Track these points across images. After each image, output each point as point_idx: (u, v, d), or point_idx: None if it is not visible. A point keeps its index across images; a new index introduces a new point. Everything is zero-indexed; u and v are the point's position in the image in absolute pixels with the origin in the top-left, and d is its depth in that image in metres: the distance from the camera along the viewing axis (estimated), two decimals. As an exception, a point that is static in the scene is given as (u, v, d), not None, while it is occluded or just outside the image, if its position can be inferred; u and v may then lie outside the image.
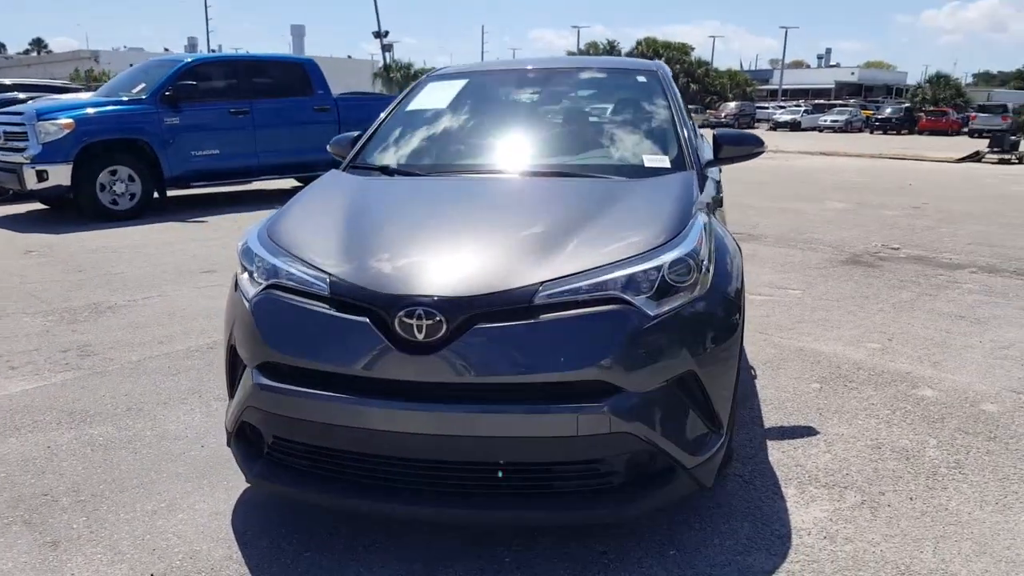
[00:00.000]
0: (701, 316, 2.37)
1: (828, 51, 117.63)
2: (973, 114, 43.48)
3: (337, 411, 2.26)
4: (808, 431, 3.37)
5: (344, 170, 3.49)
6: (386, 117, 3.79)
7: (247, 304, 2.50)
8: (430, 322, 2.19)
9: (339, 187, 3.19)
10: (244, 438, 2.58)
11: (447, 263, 2.38)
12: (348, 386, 2.26)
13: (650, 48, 76.02)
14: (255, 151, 10.43)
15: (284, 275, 2.48)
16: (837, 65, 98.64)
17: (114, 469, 3.07)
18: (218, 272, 6.46)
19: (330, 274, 2.39)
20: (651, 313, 2.26)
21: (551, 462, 2.24)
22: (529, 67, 4.16)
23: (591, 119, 3.66)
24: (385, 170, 3.33)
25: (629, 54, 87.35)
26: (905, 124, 45.66)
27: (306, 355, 2.31)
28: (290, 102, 10.80)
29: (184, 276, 6.35)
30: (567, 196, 2.91)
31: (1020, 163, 20.27)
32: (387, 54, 58.11)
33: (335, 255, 2.49)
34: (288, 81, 10.90)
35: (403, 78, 53.05)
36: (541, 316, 2.22)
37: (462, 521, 2.46)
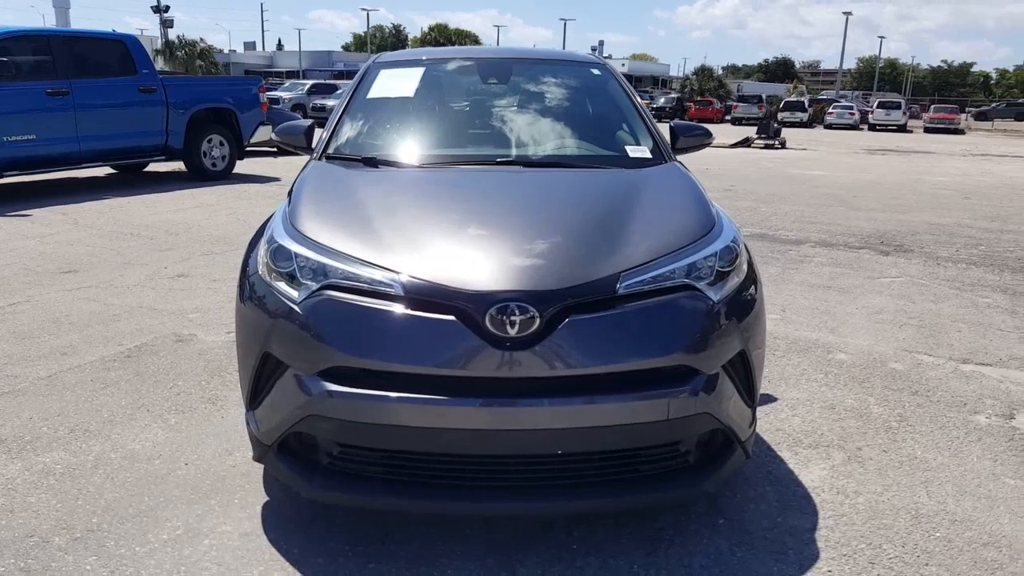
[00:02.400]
0: (745, 298, 2.54)
1: (601, 43, 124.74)
2: (734, 104, 48.05)
3: (431, 413, 2.19)
4: (769, 398, 3.70)
5: (320, 160, 3.30)
6: (347, 106, 3.61)
7: (295, 308, 2.33)
8: (524, 317, 2.18)
9: (344, 180, 3.02)
10: (288, 451, 2.41)
11: (524, 257, 2.36)
12: (435, 387, 2.19)
13: (442, 35, 76.53)
14: (76, 135, 9.34)
15: (340, 275, 2.34)
16: (609, 57, 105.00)
17: (97, 499, 2.72)
18: (82, 272, 5.79)
19: (399, 272, 2.29)
20: (714, 298, 2.40)
21: (641, 447, 2.32)
22: (483, 56, 4.13)
23: (564, 110, 3.73)
24: (370, 162, 3.19)
25: (423, 40, 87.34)
26: (677, 113, 49.62)
27: (388, 358, 2.21)
28: (113, 82, 9.80)
29: (43, 278, 5.62)
30: (588, 188, 2.98)
31: (783, 148, 22.82)
32: (168, 30, 53.84)
33: (393, 252, 2.38)
34: (109, 59, 9.87)
35: (187, 57, 49.32)
36: (625, 306, 2.29)
37: (552, 513, 2.48)
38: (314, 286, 2.35)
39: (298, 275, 2.39)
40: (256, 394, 2.47)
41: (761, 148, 22.73)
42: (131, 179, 11.18)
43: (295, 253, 2.43)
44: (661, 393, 2.25)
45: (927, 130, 38.89)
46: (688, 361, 2.29)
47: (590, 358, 2.22)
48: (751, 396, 2.56)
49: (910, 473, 3.01)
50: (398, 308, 2.25)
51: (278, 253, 2.49)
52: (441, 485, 2.30)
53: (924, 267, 6.67)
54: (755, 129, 25.71)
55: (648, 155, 3.35)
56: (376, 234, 2.49)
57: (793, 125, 37.76)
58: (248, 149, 12.07)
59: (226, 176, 11.27)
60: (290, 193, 2.94)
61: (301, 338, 2.30)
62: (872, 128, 38.99)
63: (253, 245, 2.70)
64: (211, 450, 3.08)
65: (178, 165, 11.49)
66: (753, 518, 2.67)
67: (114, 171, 11.70)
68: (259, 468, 2.83)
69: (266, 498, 2.74)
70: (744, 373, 2.51)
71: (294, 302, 2.34)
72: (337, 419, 2.25)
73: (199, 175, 10.97)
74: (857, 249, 7.41)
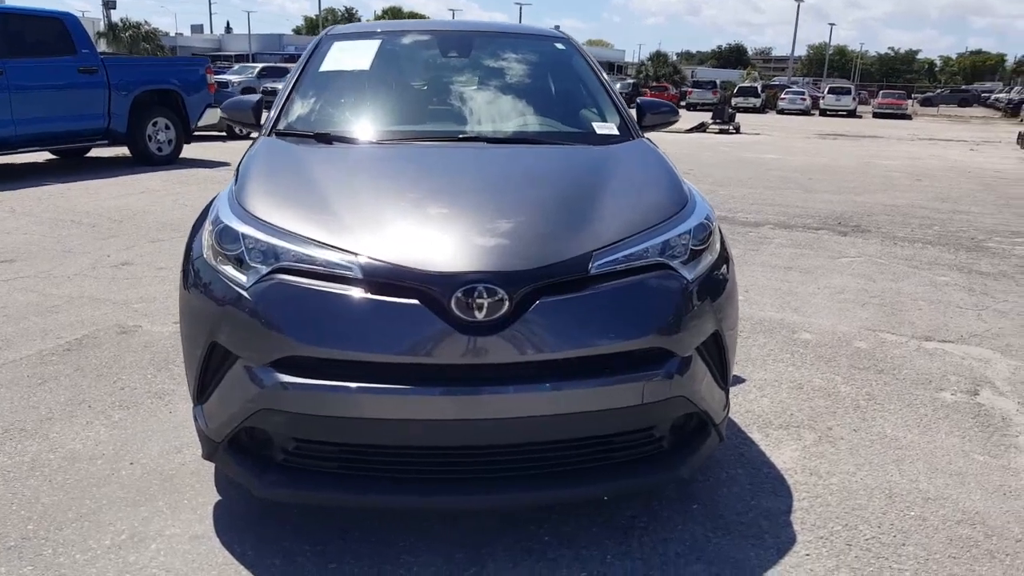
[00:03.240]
0: (719, 277, 2.46)
1: (557, 27, 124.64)
2: (689, 89, 48.35)
3: (393, 404, 2.06)
4: (738, 379, 3.64)
5: (270, 136, 3.12)
6: (298, 79, 3.43)
7: (244, 293, 2.17)
8: (492, 300, 2.06)
9: (296, 156, 2.85)
10: (239, 447, 2.26)
11: (490, 236, 2.23)
12: (398, 376, 2.07)
13: (396, 18, 75.56)
14: (11, 118, 8.90)
15: (292, 257, 2.19)
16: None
17: (33, 503, 2.53)
18: (18, 262, 5.49)
19: (357, 254, 2.15)
20: (689, 277, 2.31)
21: (614, 433, 2.22)
22: (442, 29, 3.96)
23: (527, 85, 3.59)
24: (323, 138, 3.02)
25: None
26: (633, 99, 49.64)
27: (346, 346, 2.07)
28: (51, 62, 9.36)
29: (-25, 268, 5.31)
30: (555, 164, 2.86)
31: (737, 133, 23.02)
32: (111, 12, 52.04)
33: (350, 232, 2.24)
34: (46, 37, 9.40)
35: (132, 39, 47.75)
36: (598, 286, 2.18)
37: (523, 505, 2.37)
38: (264, 270, 2.19)
39: (246, 258, 2.23)
40: (204, 388, 2.31)
41: (716, 133, 22.88)
42: (73, 165, 10.73)
43: (243, 234, 2.27)
44: (635, 377, 2.16)
45: (876, 115, 39.64)
46: (663, 343, 2.20)
47: (562, 342, 2.11)
48: (724, 378, 2.48)
49: (881, 452, 2.98)
50: (356, 292, 2.10)
51: (224, 234, 2.32)
52: (405, 479, 2.17)
53: (882, 247, 6.72)
54: (710, 114, 25.87)
55: (615, 132, 3.24)
56: (331, 213, 2.33)
57: (747, 111, 38.14)
58: (196, 133, 11.68)
59: (173, 161, 10.88)
60: (237, 171, 2.76)
61: (251, 326, 2.14)
62: (823, 113, 39.64)
63: (197, 228, 2.53)
64: (158, 448, 2.91)
65: (122, 150, 11.07)
66: (727, 502, 2.60)
67: (54, 156, 11.22)
68: (210, 466, 2.67)
69: (218, 497, 2.58)
70: (718, 355, 2.43)
71: (242, 287, 2.18)
72: (292, 412, 2.10)
73: (144, 160, 10.57)
74: (816, 230, 7.44)
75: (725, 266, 2.53)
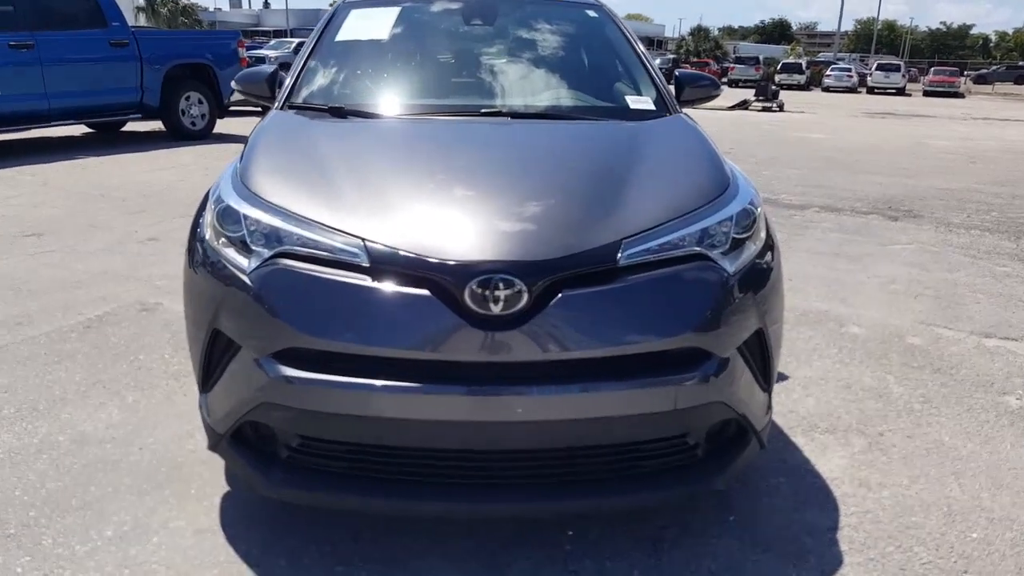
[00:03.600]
0: (763, 268, 2.24)
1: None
2: (731, 65, 47.10)
3: (400, 403, 1.89)
4: (781, 376, 3.41)
5: (282, 110, 2.95)
6: (312, 49, 3.25)
7: (245, 279, 2.02)
8: (509, 292, 1.88)
9: (307, 132, 2.68)
10: (244, 441, 2.12)
11: (510, 221, 2.05)
12: (407, 372, 1.90)
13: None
14: (45, 92, 8.89)
15: (296, 241, 2.03)
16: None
17: (38, 488, 2.44)
18: (47, 236, 5.45)
19: (365, 239, 1.98)
20: (730, 269, 2.10)
21: (643, 440, 2.04)
22: None
23: (559, 57, 3.37)
24: (338, 112, 2.84)
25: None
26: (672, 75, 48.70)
27: (352, 339, 1.91)
28: (82, 35, 9.32)
29: (3, 242, 5.28)
30: (585, 142, 2.65)
31: (780, 111, 22.36)
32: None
33: (358, 215, 2.07)
34: (76, 10, 9.36)
35: (171, 14, 48.02)
36: (628, 278, 1.98)
37: (541, 515, 2.21)
38: (266, 253, 2.03)
39: (248, 241, 2.08)
40: (208, 376, 2.18)
41: (759, 111, 22.31)
42: (108, 139, 10.75)
43: (244, 215, 2.12)
44: (668, 380, 1.97)
45: (926, 93, 38.34)
46: (699, 343, 2.00)
47: (586, 340, 1.92)
48: (767, 380, 2.27)
49: (939, 463, 2.74)
50: (363, 281, 1.94)
51: (225, 215, 2.17)
52: (416, 483, 2.01)
53: (936, 234, 6.37)
54: (753, 91, 25.21)
55: (651, 106, 3.01)
56: (339, 194, 2.16)
57: (791, 88, 37.18)
58: (231, 108, 11.62)
59: (206, 136, 10.84)
60: (244, 146, 2.61)
61: (252, 314, 1.99)
62: (871, 91, 38.41)
63: (203, 205, 2.38)
64: (170, 433, 2.79)
65: (157, 125, 11.05)
66: (766, 514, 2.41)
67: (91, 130, 11.26)
68: (219, 455, 2.55)
69: (226, 489, 2.46)
70: (760, 355, 2.22)
71: (243, 272, 2.03)
72: (295, 408, 1.95)
73: (178, 134, 10.53)
74: (864, 214, 7.10)
75: (770, 255, 2.31)
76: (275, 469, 2.06)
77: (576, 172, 2.35)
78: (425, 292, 1.90)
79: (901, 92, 38.12)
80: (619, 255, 1.98)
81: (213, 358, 2.14)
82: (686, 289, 2.04)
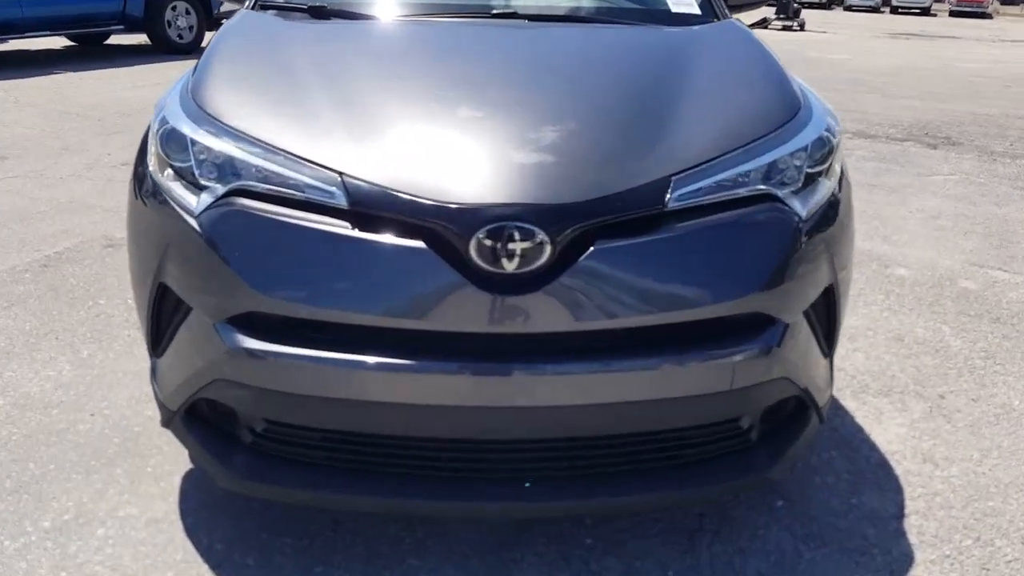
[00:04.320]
0: (837, 211, 1.83)
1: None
2: (751, -19, 45.10)
3: (389, 384, 1.51)
4: (823, 327, 3.03)
5: (254, 10, 2.47)
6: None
7: (193, 222, 1.61)
8: (527, 244, 1.47)
9: (277, 35, 2.21)
10: (201, 419, 1.75)
11: (529, 151, 1.62)
12: (397, 346, 1.51)
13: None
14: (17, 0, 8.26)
15: (256, 175, 1.61)
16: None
17: (-34, 467, 2.09)
18: (12, 159, 5.00)
19: (343, 173, 1.56)
20: (802, 212, 1.69)
21: (687, 427, 1.66)
22: None
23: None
24: (318, 11, 2.36)
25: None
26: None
27: (327, 302, 1.51)
28: (59, -67, 8.60)
29: (-36, 165, 4.84)
30: (620, 52, 2.19)
31: (801, 30, 21.32)
32: None
33: (336, 142, 1.65)
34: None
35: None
36: (677, 226, 1.57)
37: (562, 514, 1.85)
38: (220, 190, 1.62)
39: (197, 173, 1.66)
40: (158, 338, 1.80)
41: (779, 29, 21.28)
42: (89, 53, 10.10)
43: (192, 140, 1.69)
44: (723, 353, 1.58)
45: (953, 14, 36.80)
46: (764, 306, 1.61)
47: (624, 305, 1.52)
48: (831, 345, 1.89)
49: (1011, 432, 2.38)
50: (340, 227, 1.53)
51: (170, 140, 1.74)
52: (414, 477, 1.64)
53: (979, 163, 5.88)
54: (773, 9, 24.04)
55: (696, 10, 2.52)
56: (313, 115, 1.73)
57: (812, 6, 35.55)
58: (220, 20, 10.90)
59: (194, 50, 10.15)
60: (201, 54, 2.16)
61: (202, 268, 1.60)
62: (894, 11, 36.88)
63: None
64: (127, 394, 2.43)
65: (142, 38, 10.38)
66: (820, 498, 2.05)
67: (72, 44, 10.60)
68: (181, 424, 2.19)
69: (189, 466, 2.11)
70: (827, 316, 1.83)
71: (191, 213, 1.62)
72: (256, 387, 1.57)
73: (164, 48, 9.89)
74: (900, 141, 6.58)
75: (844, 194, 1.89)
76: (237, 456, 1.69)
77: (610, 89, 1.91)
78: (419, 244, 1.49)
79: (926, 12, 36.59)
80: (667, 196, 1.56)
81: (163, 318, 1.76)
82: (749, 239, 1.63)
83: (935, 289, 3.44)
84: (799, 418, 1.81)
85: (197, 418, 1.74)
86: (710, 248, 1.58)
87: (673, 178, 1.58)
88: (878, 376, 2.68)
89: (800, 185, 1.72)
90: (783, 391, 1.70)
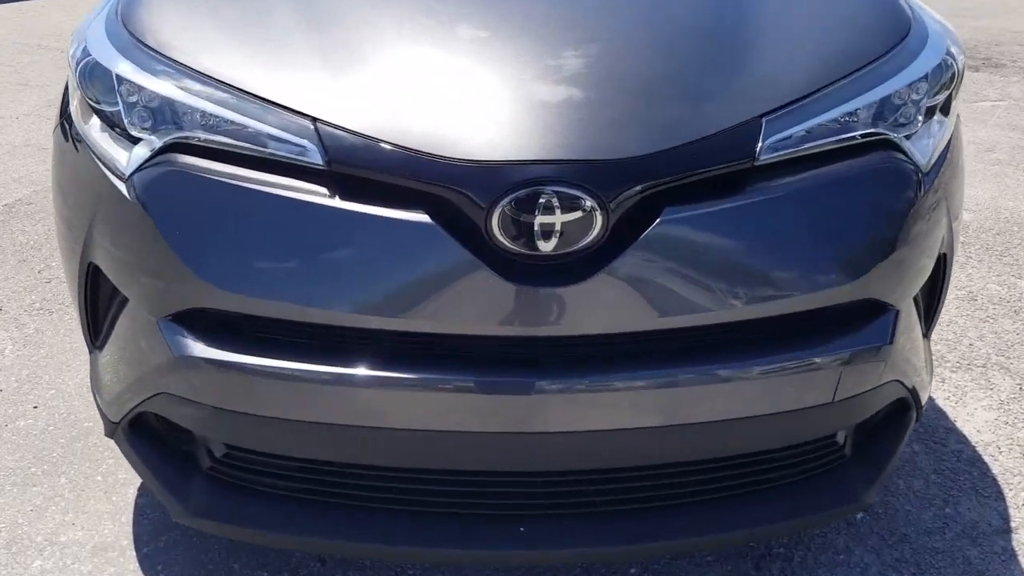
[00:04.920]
0: (957, 158, 1.43)
1: None
2: None
3: (386, 405, 1.14)
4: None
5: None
6: None
7: (122, 187, 1.21)
8: (571, 215, 1.07)
9: None
10: (150, 434, 1.38)
11: (569, 92, 1.19)
12: (393, 355, 1.13)
13: None
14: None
15: (202, 123, 1.20)
16: None
17: None
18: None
19: (318, 120, 1.14)
20: (921, 161, 1.28)
21: (773, 449, 1.29)
22: None
23: None
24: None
25: None
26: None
27: (301, 296, 1.12)
28: None
29: (-89, 103, 4.36)
30: None
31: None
32: None
33: (306, 76, 1.23)
34: None
35: None
36: (771, 184, 1.16)
37: (613, 561, 1.49)
38: (156, 143, 1.21)
39: (127, 120, 1.24)
40: (95, 330, 1.42)
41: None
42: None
43: (119, 77, 1.26)
44: (826, 356, 1.20)
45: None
46: (879, 290, 1.22)
47: (701, 295, 1.13)
48: (931, 322, 1.51)
49: (1123, 418, 2.02)
50: (316, 195, 1.12)
51: (92, 76, 1.32)
52: (415, 515, 1.28)
53: (1027, 88, 5.39)
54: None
55: None
56: (279, 42, 1.31)
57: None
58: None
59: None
60: None
61: (135, 248, 1.21)
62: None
63: None
64: (79, 380, 2.07)
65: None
66: (908, 509, 1.71)
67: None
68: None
69: (147, 473, 1.74)
70: (932, 292, 1.45)
71: (119, 175, 1.22)
72: (209, 406, 1.19)
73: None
74: (937, 65, 6.06)
75: (958, 136, 1.49)
76: (194, 485, 1.33)
77: (672, 3, 1.47)
78: (421, 217, 1.09)
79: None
80: (758, 145, 1.15)
81: (98, 305, 1.38)
82: (860, 201, 1.24)
83: (1003, 236, 3.04)
84: (897, 422, 1.44)
85: (145, 432, 1.38)
86: (813, 214, 1.19)
87: (764, 119, 1.17)
88: (955, 345, 2.31)
89: (918, 126, 1.31)
90: (890, 396, 1.34)
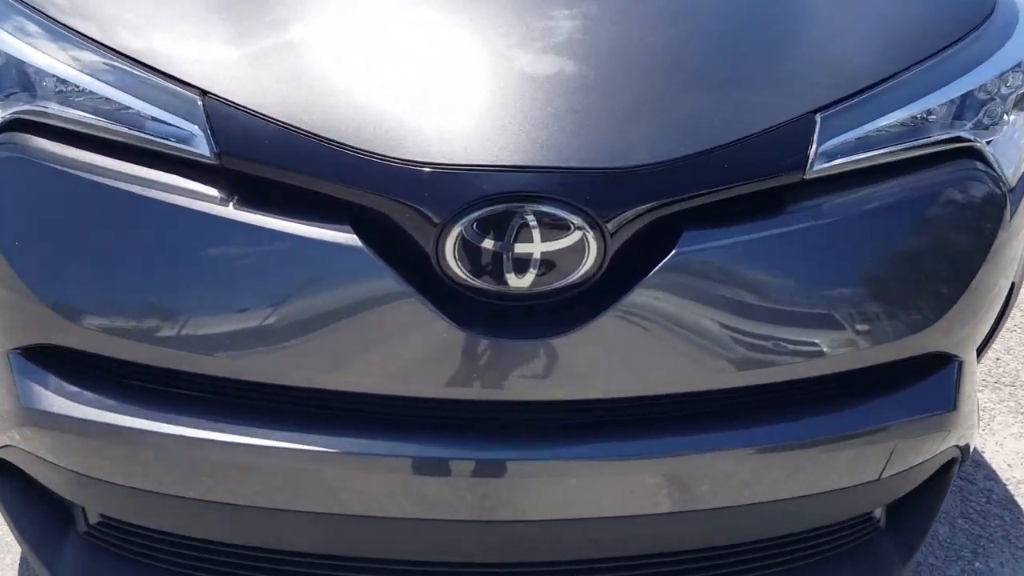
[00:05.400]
0: None
1: None
2: None
3: (307, 482, 0.87)
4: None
5: None
6: None
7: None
8: (556, 243, 0.79)
9: None
10: (15, 477, 1.08)
11: (557, 77, 0.87)
12: (309, 416, 0.85)
13: None
14: None
15: (58, 92, 0.88)
16: None
17: None
18: None
19: (209, 94, 0.83)
20: (1007, 174, 1.00)
21: (802, 531, 1.03)
22: None
23: None
24: None
25: None
26: None
27: (177, 343, 0.83)
28: None
29: None
30: None
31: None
32: None
33: (201, 37, 0.90)
34: None
35: None
36: (824, 201, 0.88)
37: None
38: (-2, 118, 0.90)
39: None
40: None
41: None
42: None
43: None
44: (876, 428, 0.93)
45: None
46: (947, 341, 0.97)
47: (728, 351, 0.85)
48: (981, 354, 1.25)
49: None
50: (203, 198, 0.82)
51: None
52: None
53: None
54: None
55: None
56: None
57: None
58: None
59: None
60: None
61: None
62: None
63: None
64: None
65: None
66: (933, 562, 1.48)
67: None
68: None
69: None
70: (994, 328, 1.19)
71: None
72: (67, 470, 0.91)
73: None
74: None
75: None
76: (67, 549, 1.05)
77: None
78: (345, 236, 0.79)
79: None
80: (811, 150, 0.85)
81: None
82: (933, 226, 0.95)
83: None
84: (939, 481, 1.19)
85: (10, 476, 1.08)
86: (873, 244, 0.91)
87: (818, 116, 0.87)
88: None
89: (1003, 128, 1.02)
90: (942, 459, 1.08)
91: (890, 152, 0.92)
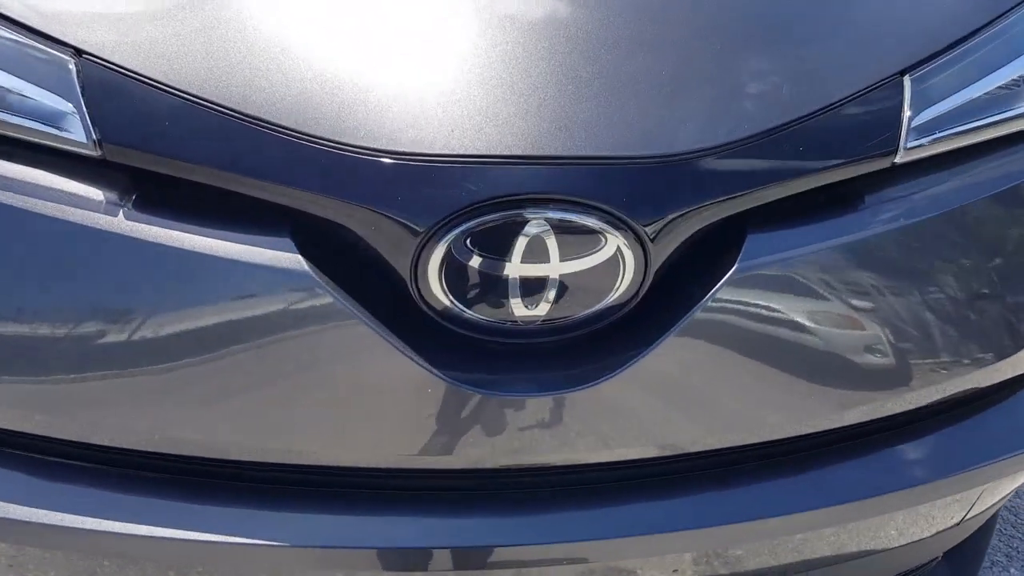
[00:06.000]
0: None
1: None
2: None
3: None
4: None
5: None
6: None
7: None
8: (580, 261, 0.57)
9: None
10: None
11: (574, 42, 0.63)
12: (260, 494, 0.64)
13: None
14: None
15: None
16: None
17: None
18: None
19: (87, 55, 0.58)
20: None
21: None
22: None
23: None
24: None
25: None
26: None
27: (52, 394, 0.60)
28: None
29: None
30: None
31: None
32: None
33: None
34: None
35: None
36: (915, 191, 0.68)
37: None
38: None
39: None
40: None
41: None
42: None
43: None
44: (963, 462, 0.75)
45: None
46: None
47: (812, 387, 0.66)
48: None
49: None
50: (84, 206, 0.58)
51: None
52: None
53: None
54: None
55: None
56: None
57: None
58: None
59: None
60: None
61: None
62: None
63: None
64: None
65: None
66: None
67: None
68: None
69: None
70: None
71: None
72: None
73: None
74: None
75: None
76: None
77: None
78: (285, 257, 0.56)
79: None
80: (902, 127, 0.65)
81: None
82: (1019, 219, 0.75)
83: None
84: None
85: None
86: (969, 245, 0.71)
87: (907, 78, 0.66)
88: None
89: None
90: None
91: (983, 128, 0.72)
